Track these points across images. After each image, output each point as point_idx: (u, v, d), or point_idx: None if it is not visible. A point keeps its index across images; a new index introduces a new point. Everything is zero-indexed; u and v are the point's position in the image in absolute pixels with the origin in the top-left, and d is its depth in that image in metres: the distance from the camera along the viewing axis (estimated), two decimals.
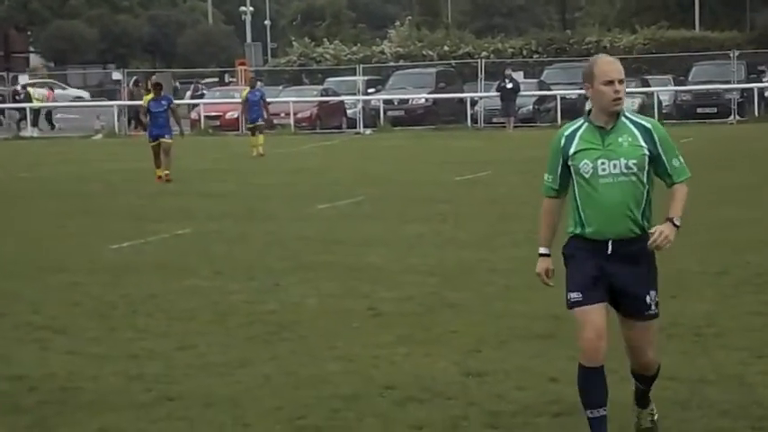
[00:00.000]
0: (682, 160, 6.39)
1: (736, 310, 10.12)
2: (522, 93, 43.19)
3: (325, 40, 60.52)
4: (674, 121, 42.75)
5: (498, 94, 42.37)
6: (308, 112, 45.43)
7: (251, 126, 32.11)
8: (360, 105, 46.06)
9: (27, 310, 10.94)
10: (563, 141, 6.45)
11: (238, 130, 42.59)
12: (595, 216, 6.34)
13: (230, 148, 35.56)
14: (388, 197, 20.01)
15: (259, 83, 39.62)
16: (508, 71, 44.25)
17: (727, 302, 10.50)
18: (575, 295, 6.33)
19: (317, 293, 11.43)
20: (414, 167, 26.75)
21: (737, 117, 43.30)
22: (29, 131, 46.90)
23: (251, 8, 74.62)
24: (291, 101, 44.95)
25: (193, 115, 48.16)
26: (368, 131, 43.37)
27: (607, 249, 6.31)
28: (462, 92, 46.69)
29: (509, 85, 42.42)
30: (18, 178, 26.65)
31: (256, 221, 17.41)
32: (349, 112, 46.51)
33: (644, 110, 45.29)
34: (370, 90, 48.33)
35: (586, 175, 6.33)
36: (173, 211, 19.02)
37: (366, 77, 49.48)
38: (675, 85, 46.97)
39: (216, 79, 62.43)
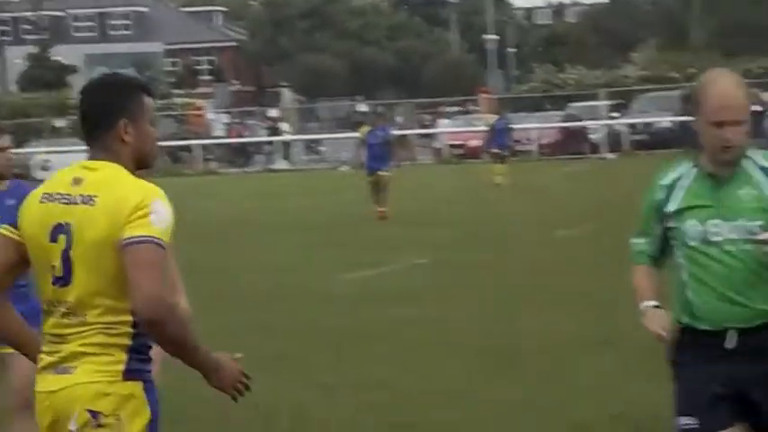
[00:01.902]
0: None
1: None
2: None
3: (567, 65, 60.25)
4: None
5: None
6: (550, 138, 45.27)
7: (495, 152, 32.02)
8: (603, 130, 45.59)
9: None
10: (659, 193, 4.79)
11: (480, 158, 42.78)
12: (709, 297, 4.66)
13: (472, 177, 35.75)
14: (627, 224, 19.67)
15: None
16: (757, 92, 43.01)
17: None
18: (687, 421, 4.68)
19: (550, 321, 11.34)
20: None
21: None
22: (279, 164, 48.36)
23: (495, 36, 74.97)
24: (534, 127, 44.89)
25: (436, 144, 48.72)
26: (611, 156, 42.86)
27: (725, 343, 4.63)
28: None
29: (758, 108, 41.22)
30: (266, 210, 27.45)
31: (493, 249, 17.41)
32: (592, 136, 46.10)
33: None
34: (614, 114, 47.79)
35: (693, 243, 4.69)
36: (413, 240, 19.21)
37: (609, 102, 48.95)
38: None
39: (459, 108, 62.92)
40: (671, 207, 4.72)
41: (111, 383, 4.06)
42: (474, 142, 45.48)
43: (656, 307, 4.75)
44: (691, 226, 4.67)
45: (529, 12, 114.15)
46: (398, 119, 55.67)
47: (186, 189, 30.19)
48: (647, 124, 45.19)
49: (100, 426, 4.08)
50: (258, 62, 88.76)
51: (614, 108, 48.74)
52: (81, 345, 4.08)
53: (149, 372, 4.18)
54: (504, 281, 14.15)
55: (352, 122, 61.43)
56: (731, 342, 4.60)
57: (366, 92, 74.49)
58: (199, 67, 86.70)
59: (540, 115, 49.46)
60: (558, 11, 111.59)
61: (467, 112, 57.72)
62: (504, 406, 8.30)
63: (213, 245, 19.64)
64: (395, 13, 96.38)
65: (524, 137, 43.35)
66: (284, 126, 52.28)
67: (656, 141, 43.70)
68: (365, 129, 24.30)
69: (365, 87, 79.11)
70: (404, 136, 48.32)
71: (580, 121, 47.11)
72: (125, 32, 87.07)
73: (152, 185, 4.15)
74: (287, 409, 8.53)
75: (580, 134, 46.37)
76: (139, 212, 4.04)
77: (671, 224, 4.74)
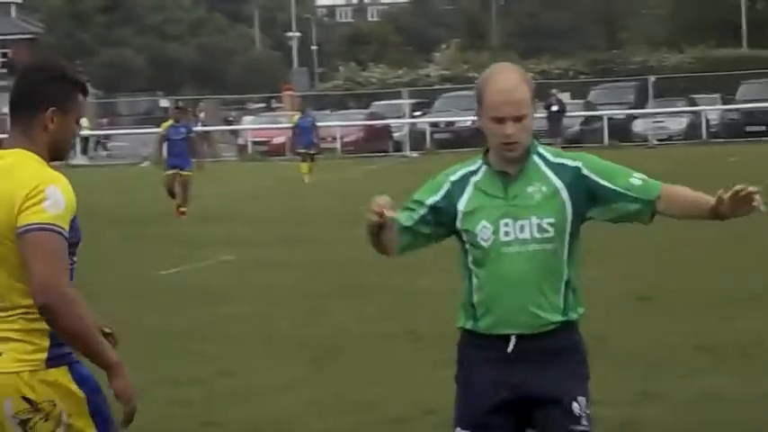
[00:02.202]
0: (643, 176, 4.50)
1: None
2: (568, 113, 43.10)
3: (370, 64, 60.75)
4: (723, 140, 42.59)
5: (545, 115, 42.38)
6: (353, 136, 45.59)
7: (302, 152, 32.01)
8: (406, 129, 46.14)
9: None
10: (447, 188, 4.53)
11: (285, 155, 42.76)
12: (494, 301, 4.46)
13: (277, 174, 35.72)
14: None
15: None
16: (554, 92, 44.20)
17: None
18: None
19: (360, 318, 11.44)
20: None
21: None
22: (78, 159, 47.35)
23: (298, 33, 75.08)
24: (338, 125, 45.13)
25: (240, 141, 48.51)
26: (414, 154, 43.42)
27: (508, 348, 4.46)
28: None
29: (555, 107, 42.35)
30: None
31: (301, 246, 17.45)
32: (395, 135, 46.62)
33: (692, 129, 45.20)
34: (417, 113, 48.43)
35: (485, 244, 4.43)
36: (218, 237, 19.10)
37: (412, 101, 49.58)
38: (723, 104, 46.68)
39: (263, 105, 62.78)
40: (461, 206, 4.49)
41: (34, 373, 4.08)
42: (278, 139, 45.48)
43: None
44: (482, 227, 4.44)
45: (331, 9, 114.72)
46: (201, 115, 55.16)
47: None
48: (449, 123, 45.93)
49: (37, 410, 4.12)
50: (56, 56, 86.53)
51: (416, 107, 49.43)
52: (4, 330, 4.10)
53: (72, 353, 4.17)
54: (315, 277, 14.20)
55: (153, 118, 60.60)
56: (512, 348, 4.44)
57: (168, 88, 73.55)
58: None
59: (343, 113, 49.80)
60: (360, 9, 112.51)
61: (271, 109, 57.69)
62: (318, 402, 8.34)
63: None
64: (195, 9, 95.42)
65: (328, 135, 43.57)
66: (82, 121, 51.22)
67: (457, 140, 44.45)
68: (166, 124, 23.69)
69: (167, 83, 78.13)
70: (207, 132, 47.97)
71: (383, 119, 47.60)
72: None
73: (52, 173, 4.11)
74: None
75: (383, 132, 46.85)
76: (33, 200, 4.01)
77: (462, 226, 4.49)
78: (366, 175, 34.23)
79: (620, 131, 44.17)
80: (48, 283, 3.96)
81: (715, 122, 45.50)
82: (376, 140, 46.13)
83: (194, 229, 20.39)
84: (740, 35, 59.57)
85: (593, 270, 7.93)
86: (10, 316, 4.09)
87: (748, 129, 43.65)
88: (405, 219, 4.51)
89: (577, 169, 4.43)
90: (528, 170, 4.44)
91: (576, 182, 4.42)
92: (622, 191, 4.41)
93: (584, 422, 4.43)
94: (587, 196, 4.44)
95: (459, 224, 4.49)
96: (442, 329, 10.60)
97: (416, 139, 45.82)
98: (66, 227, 4.04)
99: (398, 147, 45.50)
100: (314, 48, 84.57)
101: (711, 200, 4.32)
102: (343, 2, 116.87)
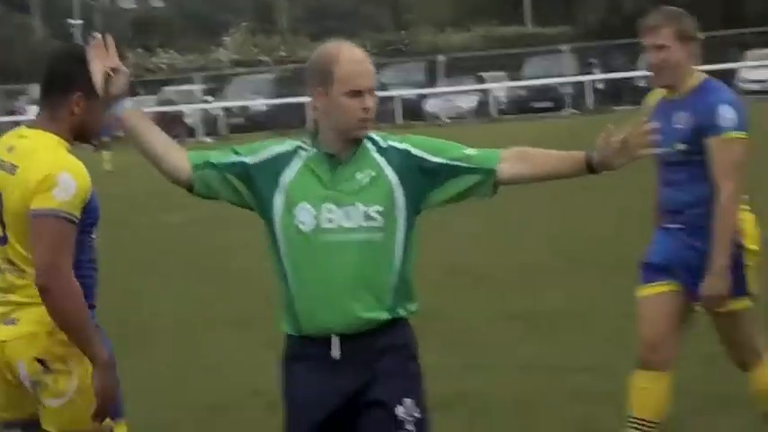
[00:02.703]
0: (476, 149, 4.18)
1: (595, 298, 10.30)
2: None
3: (159, 50, 59.86)
4: (512, 116, 43.56)
5: None
6: None
7: (97, 142, 31.51)
8: (198, 114, 45.68)
9: None
10: (273, 154, 4.15)
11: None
12: (314, 298, 4.04)
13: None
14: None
15: None
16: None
17: (582, 291, 10.66)
18: None
19: (179, 300, 11.28)
20: None
21: (572, 110, 44.19)
22: None
23: (80, 21, 73.33)
24: None
25: None
26: (208, 140, 43.03)
27: (331, 352, 4.07)
28: (302, 96, 46.74)
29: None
30: None
31: (113, 229, 17.08)
32: (188, 120, 46.10)
33: (482, 107, 46.07)
34: (208, 98, 47.99)
35: (306, 229, 4.02)
36: None
37: (204, 86, 49.09)
38: (510, 81, 47.73)
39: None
40: (284, 179, 4.07)
41: (51, 333, 4.32)
42: None
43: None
44: (302, 208, 4.04)
45: None
46: None
47: None
48: (243, 108, 45.69)
49: (49, 371, 4.36)
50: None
51: (209, 92, 48.98)
52: (22, 296, 4.38)
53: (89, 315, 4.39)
54: (129, 258, 13.94)
55: None
56: (336, 351, 4.04)
57: None
58: None
59: (134, 100, 48.83)
60: None
61: None
62: (133, 386, 8.14)
63: None
64: None
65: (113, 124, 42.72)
66: None
67: (251, 124, 44.28)
68: None
69: None
70: None
71: (175, 105, 46.99)
72: None
73: (68, 159, 4.37)
74: None
75: (176, 118, 46.27)
76: (44, 185, 4.28)
77: (279, 203, 4.06)
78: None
79: (413, 111, 44.69)
80: (47, 266, 4.23)
81: (503, 100, 46.49)
82: (168, 127, 45.47)
83: None
84: (523, 13, 60.91)
85: None
86: (28, 285, 4.33)
87: (535, 104, 44.77)
88: (213, 156, 4.17)
89: (406, 152, 4.09)
90: (358, 155, 4.09)
91: (407, 165, 4.07)
92: (457, 163, 4.10)
93: (409, 426, 4.04)
94: (422, 178, 4.08)
95: (276, 200, 4.06)
96: (268, 317, 10.56)
97: (210, 124, 45.41)
98: (76, 212, 4.32)
99: (192, 132, 45.00)
100: (97, 35, 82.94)
101: (576, 153, 4.05)
102: None
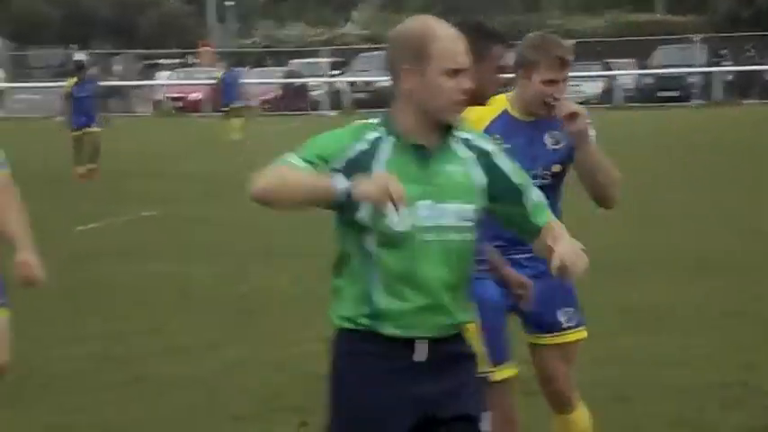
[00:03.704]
0: (542, 198, 3.90)
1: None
2: None
3: (289, 22, 60.46)
4: (638, 104, 43.15)
5: None
6: (271, 94, 45.39)
7: (226, 108, 31.59)
8: (324, 87, 46.05)
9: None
10: (356, 152, 3.73)
11: (200, 111, 42.47)
12: (404, 299, 3.70)
13: (195, 130, 35.47)
14: None
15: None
16: None
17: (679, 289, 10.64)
18: None
19: (288, 277, 11.49)
20: None
21: (699, 101, 43.60)
22: None
23: None
24: (256, 82, 44.93)
25: (156, 96, 48.11)
26: (332, 113, 43.36)
27: (413, 355, 3.72)
28: None
29: None
30: None
31: (221, 204, 17.44)
32: (314, 94, 46.51)
33: (607, 94, 45.68)
34: (335, 72, 48.35)
35: (397, 228, 3.66)
36: (138, 193, 18.99)
37: (331, 59, 49.47)
38: (638, 69, 47.22)
39: (179, 60, 62.20)
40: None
41: None
42: (194, 95, 45.16)
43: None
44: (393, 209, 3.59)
45: None
46: (117, 68, 54.55)
47: None
48: (368, 83, 45.93)
49: None
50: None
51: (335, 66, 49.33)
52: None
53: None
54: (237, 236, 14.22)
55: (67, 71, 59.74)
56: (421, 354, 3.71)
57: (82, 41, 72.51)
58: None
59: (261, 71, 49.50)
60: None
61: (187, 65, 57.18)
62: (242, 362, 8.37)
63: None
64: None
65: (245, 93, 43.35)
66: None
67: (375, 100, 44.44)
68: (72, 81, 22.64)
69: (81, 37, 77.00)
70: (121, 87, 47.44)
71: (301, 77, 47.43)
72: None
73: None
74: (26, 360, 8.40)
75: (301, 91, 46.71)
76: None
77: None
78: (286, 132, 34.14)
79: None
80: None
81: (629, 87, 46.04)
82: (293, 99, 45.97)
83: (112, 186, 20.24)
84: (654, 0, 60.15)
85: None
86: None
87: (661, 94, 44.26)
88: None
89: (491, 155, 3.80)
90: (447, 146, 3.76)
91: (488, 167, 3.78)
92: (526, 201, 3.83)
93: None
94: (490, 185, 3.79)
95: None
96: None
97: (335, 98, 45.76)
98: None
99: (315, 106, 45.40)
100: (230, 3, 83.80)
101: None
102: None
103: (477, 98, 4.50)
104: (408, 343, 3.69)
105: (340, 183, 3.60)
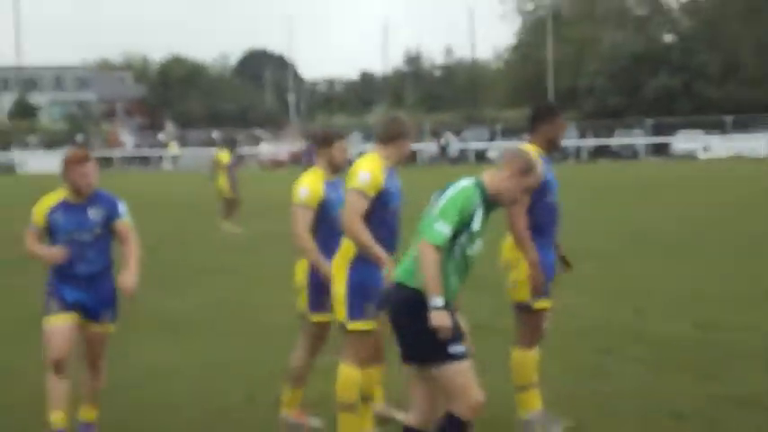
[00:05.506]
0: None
1: None
2: None
3: (336, 112, 74.07)
4: None
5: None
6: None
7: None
8: None
9: None
10: (471, 212, 5.56)
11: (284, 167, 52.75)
12: (453, 282, 5.80)
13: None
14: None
15: None
16: None
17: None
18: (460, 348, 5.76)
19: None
20: None
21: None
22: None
23: (293, 96, 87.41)
24: None
25: (261, 158, 62.64)
26: None
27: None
28: None
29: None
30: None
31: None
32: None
33: None
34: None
35: (468, 252, 5.65)
36: None
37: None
38: None
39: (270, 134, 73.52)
40: (474, 227, 5.60)
41: None
42: (282, 157, 59.65)
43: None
44: (476, 245, 5.69)
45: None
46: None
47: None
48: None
49: None
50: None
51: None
52: None
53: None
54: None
55: (209, 143, 70.40)
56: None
57: (217, 125, 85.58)
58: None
59: None
60: None
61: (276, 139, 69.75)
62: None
63: None
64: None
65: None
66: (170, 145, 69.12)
67: None
68: (225, 155, 24.19)
69: (215, 122, 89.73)
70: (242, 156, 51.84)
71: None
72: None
73: None
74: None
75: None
76: None
77: (463, 238, 5.56)
78: None
79: None
80: None
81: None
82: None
83: None
84: None
85: None
86: None
87: None
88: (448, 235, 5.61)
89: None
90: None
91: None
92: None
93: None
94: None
95: (462, 237, 5.62)
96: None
97: None
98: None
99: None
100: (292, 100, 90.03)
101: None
102: None
103: None
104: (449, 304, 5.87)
105: (438, 302, 5.46)
